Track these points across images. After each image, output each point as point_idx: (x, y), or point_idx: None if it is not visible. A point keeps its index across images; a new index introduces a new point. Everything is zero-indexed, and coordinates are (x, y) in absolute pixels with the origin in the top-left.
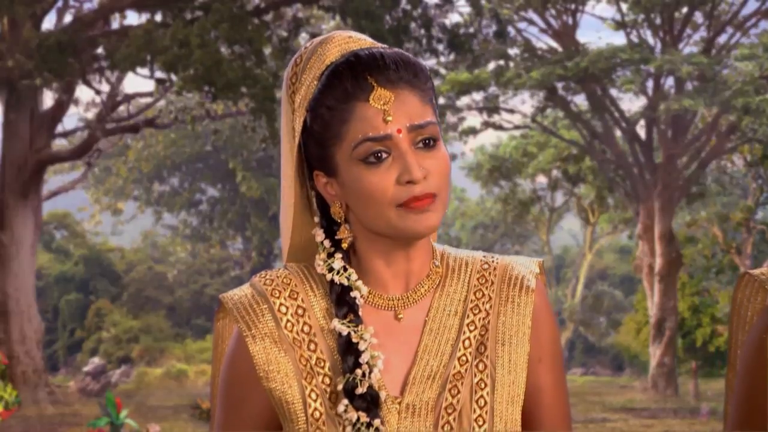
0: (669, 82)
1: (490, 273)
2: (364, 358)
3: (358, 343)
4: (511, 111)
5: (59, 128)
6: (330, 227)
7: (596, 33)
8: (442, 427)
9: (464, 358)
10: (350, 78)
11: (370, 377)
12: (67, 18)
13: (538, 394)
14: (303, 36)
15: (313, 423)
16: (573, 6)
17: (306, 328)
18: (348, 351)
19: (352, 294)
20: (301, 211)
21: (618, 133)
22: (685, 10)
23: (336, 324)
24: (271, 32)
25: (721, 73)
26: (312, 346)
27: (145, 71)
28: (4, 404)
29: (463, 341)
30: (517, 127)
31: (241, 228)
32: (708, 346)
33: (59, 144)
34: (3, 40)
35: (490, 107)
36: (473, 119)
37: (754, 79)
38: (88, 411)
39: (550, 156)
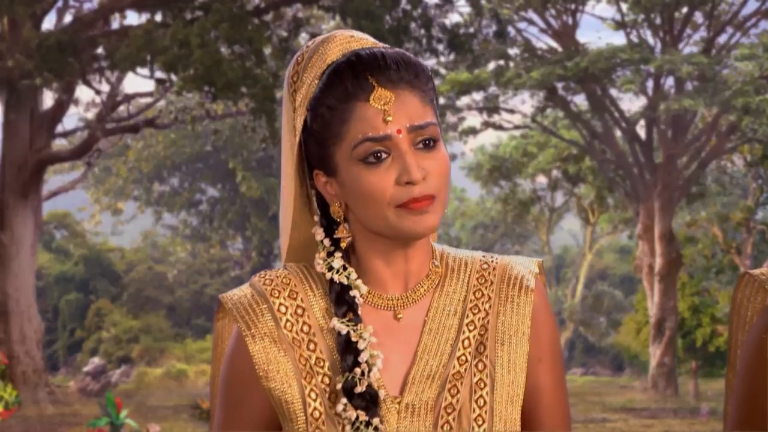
0: (669, 82)
1: (489, 273)
2: (363, 357)
3: (357, 342)
4: (511, 111)
5: (59, 128)
6: (330, 226)
7: (596, 33)
8: (442, 427)
9: (464, 357)
10: (351, 77)
11: (369, 376)
12: (67, 18)
13: (538, 394)
14: (303, 36)
15: (313, 422)
16: (573, 6)
17: (305, 328)
18: (347, 350)
19: (352, 293)
20: (301, 210)
21: (618, 133)
22: (685, 10)
23: (335, 323)
24: (271, 32)
25: (721, 73)
26: (311, 346)
27: (145, 71)
28: (4, 404)
29: (463, 341)
30: (517, 127)
31: (241, 228)
32: (708, 346)
33: (59, 144)
34: (3, 40)
35: (490, 107)
36: (473, 119)
37: (754, 79)
38: (88, 411)
39: (550, 156)
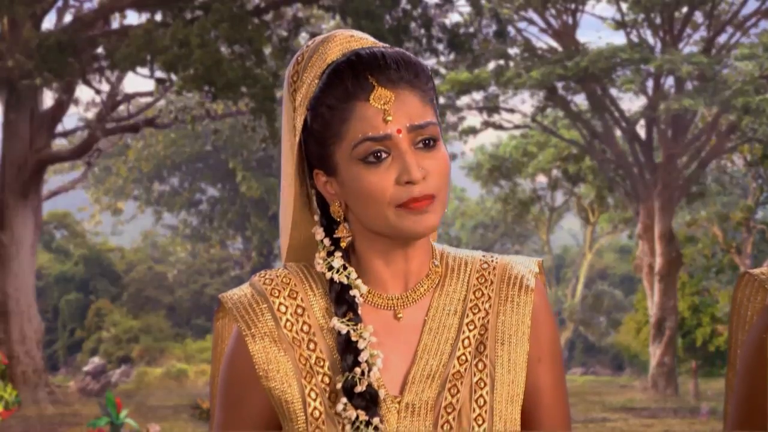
0: (669, 81)
1: (489, 272)
2: (363, 356)
3: (357, 341)
4: (511, 111)
5: (59, 128)
6: (330, 226)
7: (596, 33)
8: (442, 427)
9: (464, 357)
10: (351, 77)
11: (369, 375)
12: (67, 18)
13: (538, 394)
14: (303, 36)
15: (313, 422)
16: (573, 6)
17: (305, 328)
18: (347, 349)
19: (352, 292)
20: (301, 209)
21: (618, 132)
22: (685, 9)
23: (335, 322)
24: (271, 32)
25: (721, 73)
26: (311, 346)
27: (145, 71)
28: (4, 404)
29: (463, 340)
30: (517, 127)
31: (241, 228)
32: (708, 346)
33: (59, 144)
34: (3, 40)
35: (490, 107)
36: (473, 119)
37: (754, 79)
38: (88, 411)
39: (550, 156)
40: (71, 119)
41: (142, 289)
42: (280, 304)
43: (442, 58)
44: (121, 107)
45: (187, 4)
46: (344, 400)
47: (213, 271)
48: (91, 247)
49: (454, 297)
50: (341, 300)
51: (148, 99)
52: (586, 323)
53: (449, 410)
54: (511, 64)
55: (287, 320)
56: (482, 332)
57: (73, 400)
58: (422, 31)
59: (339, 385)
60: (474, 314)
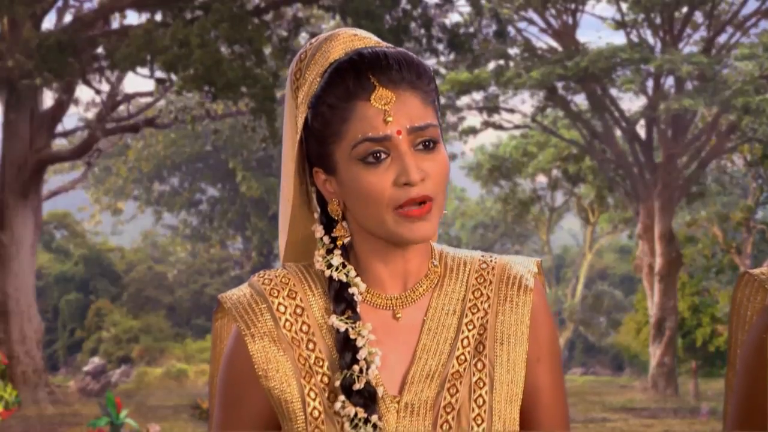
0: (669, 81)
1: (488, 272)
2: (361, 354)
3: (355, 339)
4: (511, 111)
5: (59, 128)
6: (330, 224)
7: (596, 33)
8: (441, 426)
9: (463, 357)
10: (352, 77)
11: (367, 373)
12: (67, 18)
13: (537, 394)
14: (303, 36)
15: (312, 422)
16: (573, 6)
17: (305, 328)
18: (345, 347)
19: (350, 290)
20: (300, 206)
21: (618, 132)
22: (685, 9)
23: (334, 320)
24: (271, 32)
25: (721, 73)
26: (311, 345)
27: (145, 71)
28: (4, 404)
29: (462, 340)
30: (517, 127)
31: (241, 228)
32: (708, 346)
33: (59, 144)
34: (3, 40)
35: (490, 107)
36: (473, 119)
37: (754, 79)
38: (88, 411)
39: (550, 156)
40: (71, 119)
41: (142, 289)
42: (279, 304)
43: (442, 58)
44: (121, 107)
45: (187, 4)
46: (342, 397)
47: (213, 271)
48: (91, 247)
49: (453, 297)
50: (340, 298)
51: (148, 99)
52: (586, 323)
53: (448, 410)
54: (511, 64)
55: (286, 320)
56: (481, 332)
57: (73, 400)
58: (422, 31)
59: (337, 383)
60: (473, 314)
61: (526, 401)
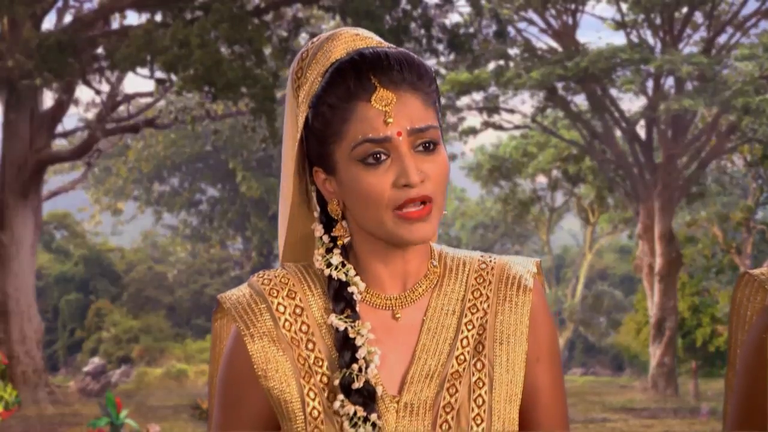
0: (669, 82)
1: (487, 272)
2: (360, 353)
3: (354, 338)
4: (511, 111)
5: (59, 128)
6: (329, 223)
7: (596, 33)
8: (440, 426)
9: (462, 357)
10: (353, 77)
11: (366, 372)
12: (67, 18)
13: (536, 394)
14: (303, 36)
15: (312, 422)
16: (573, 6)
17: (304, 327)
18: (345, 346)
19: (350, 289)
20: (299, 204)
21: (618, 133)
22: (685, 10)
23: (333, 319)
24: (271, 32)
25: (721, 73)
26: (310, 345)
27: (145, 71)
28: (4, 404)
29: (461, 340)
30: (517, 127)
31: (241, 228)
32: (708, 346)
33: (59, 144)
34: (3, 40)
35: (490, 107)
36: (473, 119)
37: (754, 79)
38: (88, 411)
39: (550, 156)
40: (71, 119)
41: (142, 289)
42: (279, 304)
43: (442, 59)
44: (121, 107)
45: (187, 4)
46: (341, 396)
47: (213, 271)
48: (91, 248)
49: (453, 297)
50: (339, 297)
51: (148, 99)
52: (586, 323)
53: (448, 410)
54: (511, 64)
55: (286, 320)
56: (480, 332)
57: (73, 400)
58: (422, 31)
59: (336, 382)
60: (472, 314)
61: (525, 401)
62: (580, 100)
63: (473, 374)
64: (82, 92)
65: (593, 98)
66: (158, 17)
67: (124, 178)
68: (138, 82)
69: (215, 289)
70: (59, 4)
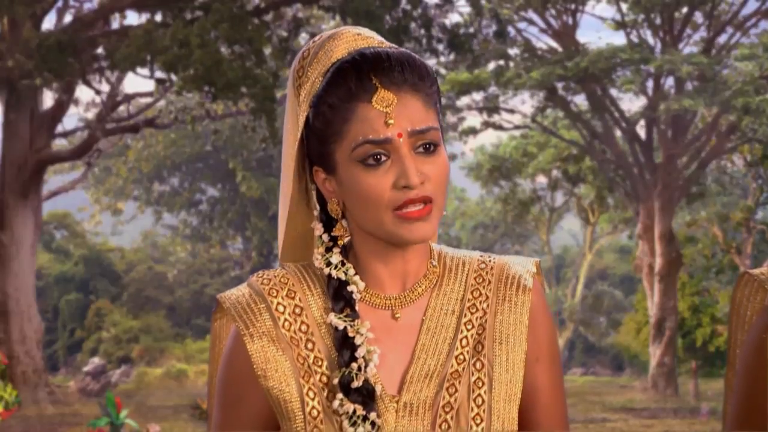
0: (669, 82)
1: (487, 272)
2: (360, 352)
3: (354, 337)
4: (511, 111)
5: (59, 128)
6: (329, 222)
7: (596, 33)
8: (440, 426)
9: (462, 356)
10: (354, 77)
11: (365, 371)
12: (67, 18)
13: (535, 394)
14: (303, 36)
15: (311, 421)
16: (573, 6)
17: (303, 327)
18: (344, 345)
19: (349, 288)
20: (298, 203)
21: (618, 133)
22: (685, 10)
23: (332, 318)
24: (271, 32)
25: (721, 73)
26: (309, 345)
27: (145, 71)
28: (4, 404)
29: (461, 340)
30: (517, 127)
31: (241, 228)
32: (708, 346)
33: (59, 144)
34: (3, 40)
35: (490, 107)
36: (473, 119)
37: (754, 79)
38: (88, 411)
39: (550, 156)
40: (71, 119)
41: (142, 289)
42: (278, 303)
43: (442, 59)
44: (121, 107)
45: (187, 4)
46: (340, 395)
47: (213, 271)
48: (91, 248)
49: (452, 297)
50: (339, 296)
51: (148, 99)
52: (586, 323)
53: (447, 409)
54: (511, 64)
55: (285, 320)
56: (480, 332)
57: (73, 400)
58: (422, 31)
59: (336, 381)
60: (472, 314)
61: (524, 401)
62: (580, 100)
63: (473, 374)
64: (82, 92)
65: (593, 98)
66: (158, 17)
67: (124, 178)
68: (138, 82)
69: (215, 289)
70: (59, 4)
